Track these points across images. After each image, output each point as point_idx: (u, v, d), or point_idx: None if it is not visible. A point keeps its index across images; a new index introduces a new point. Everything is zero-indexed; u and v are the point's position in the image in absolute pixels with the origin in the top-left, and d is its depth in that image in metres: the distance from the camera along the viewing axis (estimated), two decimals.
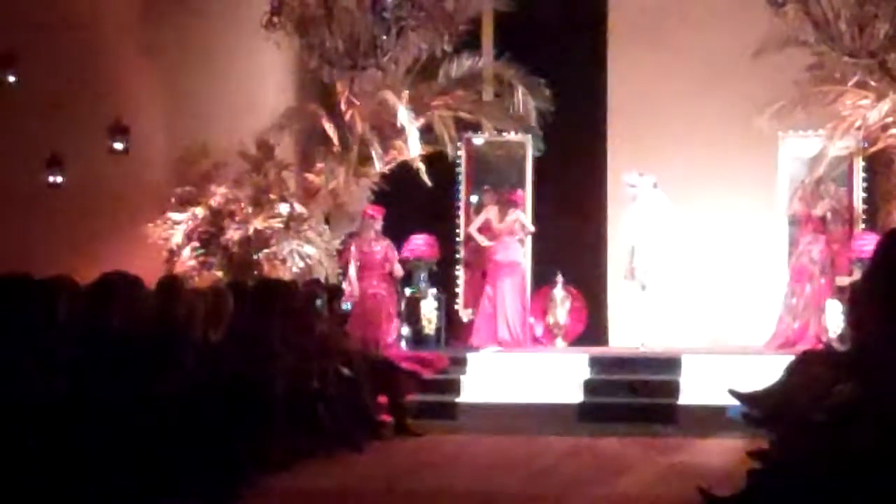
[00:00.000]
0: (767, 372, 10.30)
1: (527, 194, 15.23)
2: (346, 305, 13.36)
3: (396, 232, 14.74)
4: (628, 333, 14.69)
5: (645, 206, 14.06)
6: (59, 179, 13.58)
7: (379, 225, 14.20)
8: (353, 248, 14.24)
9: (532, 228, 14.91)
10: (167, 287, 9.45)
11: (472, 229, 15.00)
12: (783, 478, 5.70)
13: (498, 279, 14.57)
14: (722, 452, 9.87)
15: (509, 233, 14.70)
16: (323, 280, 13.38)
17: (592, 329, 15.06)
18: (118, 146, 13.89)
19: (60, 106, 13.44)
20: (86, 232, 12.93)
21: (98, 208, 13.56)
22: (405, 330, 14.57)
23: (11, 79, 13.24)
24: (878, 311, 5.89)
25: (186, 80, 14.42)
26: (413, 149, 14.51)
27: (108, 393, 7.78)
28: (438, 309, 15.09)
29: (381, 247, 14.18)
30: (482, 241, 14.79)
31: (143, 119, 14.32)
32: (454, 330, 15.52)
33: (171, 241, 13.88)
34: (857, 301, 6.92)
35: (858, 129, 13.81)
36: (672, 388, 12.56)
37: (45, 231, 12.57)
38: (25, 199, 13.22)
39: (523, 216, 14.82)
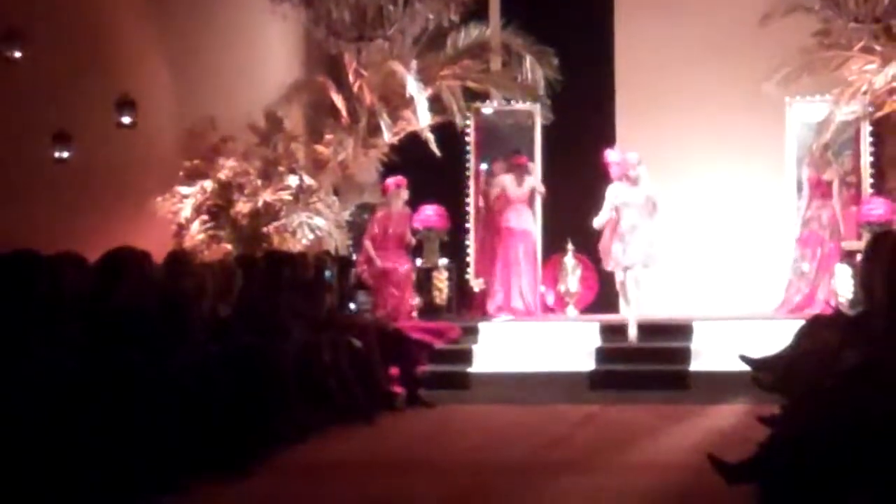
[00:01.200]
0: (778, 337, 10.34)
1: (536, 163, 15.16)
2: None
3: (407, 202, 14.67)
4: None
5: (628, 186, 13.43)
6: (66, 155, 13.52)
7: (406, 194, 14.25)
8: (374, 222, 14.26)
9: (543, 190, 14.88)
10: (175, 261, 9.44)
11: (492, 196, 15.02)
12: (793, 443, 5.64)
13: (510, 247, 14.56)
14: (733, 418, 9.84)
15: (525, 199, 14.68)
16: (333, 251, 13.37)
17: (603, 297, 15.00)
18: (126, 120, 13.84)
19: (67, 81, 13.39)
20: (93, 207, 12.89)
21: (106, 183, 13.52)
22: (416, 300, 14.54)
23: (17, 54, 13.19)
24: (883, 276, 5.85)
25: (194, 53, 14.37)
26: (422, 119, 14.49)
27: (118, 368, 7.78)
28: (449, 279, 15.07)
29: (405, 217, 14.28)
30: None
31: (151, 93, 14.27)
32: (465, 300, 15.50)
33: (179, 216, 13.85)
34: (866, 266, 6.86)
35: (865, 93, 13.75)
36: (684, 355, 12.55)
37: (51, 207, 12.52)
38: (32, 174, 13.18)
39: (536, 181, 14.82)
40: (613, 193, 13.41)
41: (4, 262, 7.54)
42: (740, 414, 9.86)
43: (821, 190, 13.97)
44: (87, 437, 7.11)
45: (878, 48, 13.58)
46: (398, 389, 11.45)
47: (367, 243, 14.28)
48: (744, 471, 6.30)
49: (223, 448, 8.24)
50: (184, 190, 13.95)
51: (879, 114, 14.02)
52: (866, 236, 13.16)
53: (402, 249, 14.40)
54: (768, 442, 6.41)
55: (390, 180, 14.49)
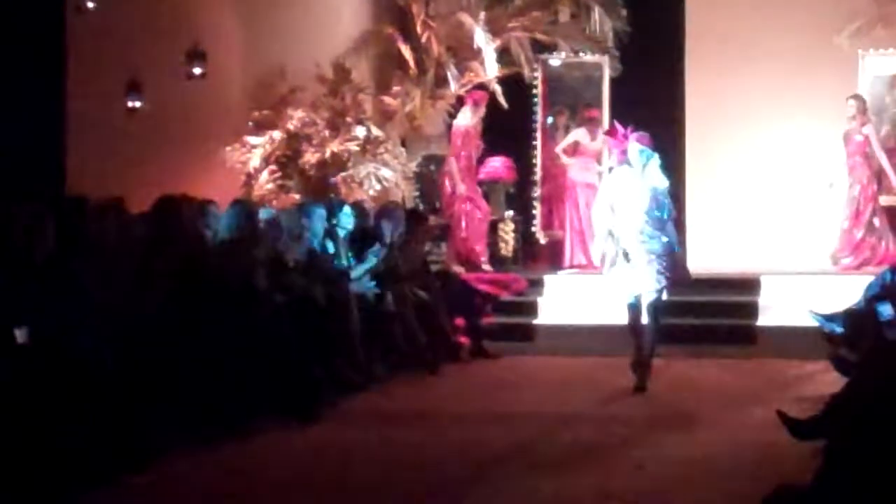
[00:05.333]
0: (847, 292, 10.22)
1: (604, 115, 15.02)
2: None
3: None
4: (704, 254, 14.57)
5: (631, 172, 9.98)
6: (138, 104, 13.61)
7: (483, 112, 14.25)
8: (458, 136, 14.19)
9: None
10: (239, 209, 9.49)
11: (559, 149, 14.87)
12: (862, 399, 5.54)
13: (576, 200, 14.44)
14: (801, 373, 9.75)
15: (595, 154, 14.56)
16: (400, 202, 13.35)
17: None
18: (196, 71, 13.90)
19: (138, 31, 13.43)
20: (164, 156, 12.94)
21: (176, 133, 13.57)
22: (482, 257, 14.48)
23: (91, 4, 13.26)
24: None
25: (263, 4, 14.37)
26: (490, 70, 14.37)
27: (189, 317, 7.83)
28: (515, 231, 15.01)
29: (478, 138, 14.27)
30: (567, 161, 14.66)
31: (221, 44, 14.29)
32: (531, 252, 15.43)
33: (248, 165, 13.87)
34: None
35: None
36: (751, 310, 12.45)
37: (123, 155, 12.59)
38: (105, 124, 13.26)
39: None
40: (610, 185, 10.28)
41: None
42: (809, 369, 9.76)
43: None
44: (162, 382, 7.20)
45: None
46: (464, 340, 11.44)
47: (452, 162, 14.21)
48: (812, 427, 6.23)
49: (292, 396, 8.30)
50: (253, 140, 13.97)
51: None
52: None
53: (472, 176, 14.27)
54: (837, 398, 6.33)
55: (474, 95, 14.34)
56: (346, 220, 10.57)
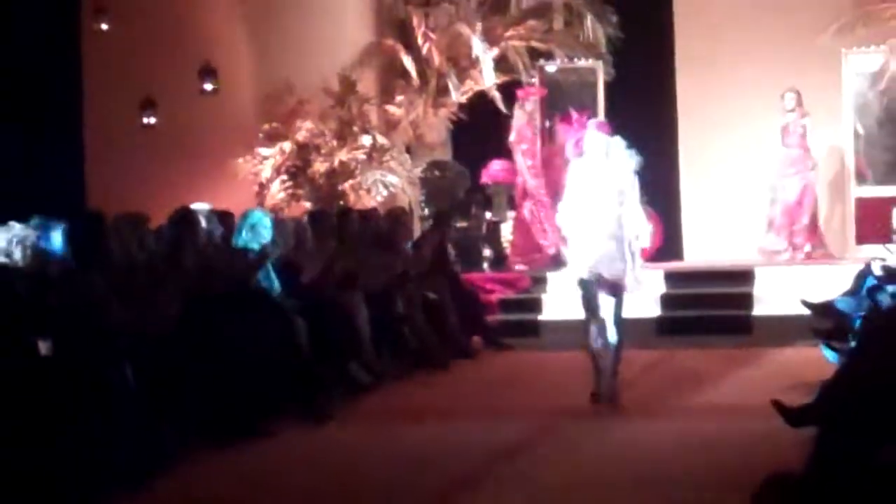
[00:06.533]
0: (838, 282, 10.17)
1: (600, 116, 14.96)
2: None
3: (475, 159, 14.67)
4: (702, 249, 14.56)
5: (591, 162, 8.55)
6: (153, 120, 13.65)
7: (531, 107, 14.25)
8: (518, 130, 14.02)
9: None
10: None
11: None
12: (854, 388, 5.49)
13: None
14: (796, 362, 9.70)
15: None
16: (406, 207, 13.35)
17: (668, 246, 14.82)
18: (208, 87, 13.95)
19: (152, 51, 13.48)
20: (179, 170, 12.99)
21: (190, 146, 13.62)
22: (487, 251, 14.44)
23: (105, 27, 13.29)
24: None
25: (270, 21, 14.39)
26: (488, 78, 14.39)
27: (203, 323, 7.82)
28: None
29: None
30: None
31: (231, 60, 14.32)
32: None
33: (260, 176, 13.93)
34: None
35: None
36: (746, 300, 12.38)
37: (140, 169, 12.66)
38: (122, 139, 13.31)
39: None
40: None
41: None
42: (803, 357, 9.70)
43: None
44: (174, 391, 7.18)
45: None
46: (477, 337, 11.45)
47: (518, 159, 14.10)
48: (806, 414, 6.18)
49: (306, 397, 8.29)
50: (264, 151, 14.01)
51: None
52: None
53: (538, 172, 14.08)
54: (830, 386, 6.27)
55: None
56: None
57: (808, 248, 13.54)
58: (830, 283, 10.76)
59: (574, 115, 13.51)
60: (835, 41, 13.80)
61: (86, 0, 13.36)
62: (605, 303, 8.43)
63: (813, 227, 13.64)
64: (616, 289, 8.41)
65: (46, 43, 12.81)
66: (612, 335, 8.41)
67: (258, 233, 8.86)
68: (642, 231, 8.65)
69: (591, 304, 8.49)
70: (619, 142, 8.68)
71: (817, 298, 10.30)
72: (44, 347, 6.36)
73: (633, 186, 8.51)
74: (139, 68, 13.46)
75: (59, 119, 12.98)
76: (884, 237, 12.62)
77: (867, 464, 4.00)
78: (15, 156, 11.73)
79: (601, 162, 8.44)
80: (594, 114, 14.12)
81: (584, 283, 8.45)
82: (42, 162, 12.06)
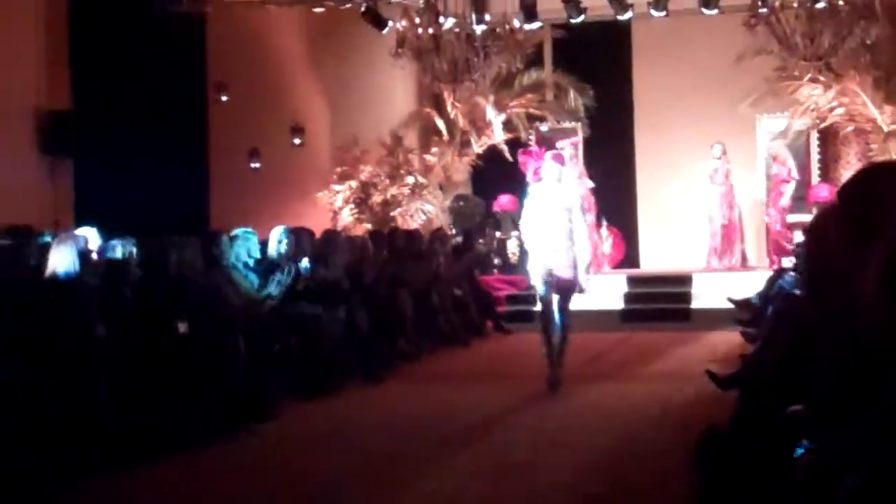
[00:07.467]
0: (754, 284, 10.15)
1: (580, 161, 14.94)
2: None
3: (488, 193, 14.60)
4: (654, 259, 14.58)
5: (547, 187, 7.80)
6: (257, 165, 13.71)
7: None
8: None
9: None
10: (328, 237, 9.49)
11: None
12: (769, 362, 5.47)
13: None
14: (724, 342, 9.67)
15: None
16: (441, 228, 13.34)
17: (628, 257, 14.80)
18: (297, 141, 14.02)
19: (257, 115, 13.54)
20: (276, 200, 13.03)
21: (284, 184, 13.67)
22: (497, 260, 14.42)
23: (224, 97, 13.37)
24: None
25: (342, 93, 14.46)
26: (497, 136, 14.43)
27: (302, 316, 7.84)
28: (519, 246, 14.94)
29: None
30: None
31: (313, 121, 14.39)
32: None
33: (334, 205, 14.00)
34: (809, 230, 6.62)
35: (813, 111, 13.37)
36: (687, 297, 12.36)
37: (248, 199, 12.69)
38: (236, 178, 13.37)
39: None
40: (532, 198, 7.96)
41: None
42: (728, 339, 9.67)
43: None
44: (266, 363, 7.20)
45: (821, 78, 13.21)
46: (490, 323, 11.43)
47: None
48: (732, 381, 6.17)
49: (367, 364, 8.31)
50: (337, 187, 14.09)
51: (823, 125, 13.62)
52: (815, 211, 12.83)
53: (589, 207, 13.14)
54: (750, 360, 6.26)
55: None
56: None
57: (734, 260, 13.48)
58: (748, 285, 10.75)
59: (534, 148, 13.28)
60: (751, 109, 13.75)
61: (211, 79, 13.46)
62: (556, 300, 7.67)
63: (737, 244, 13.59)
64: (565, 290, 7.70)
65: (185, 108, 12.93)
66: (558, 329, 7.68)
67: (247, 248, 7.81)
68: (585, 243, 7.86)
69: (546, 318, 7.71)
70: (569, 170, 8.08)
71: (739, 296, 10.32)
72: (182, 327, 6.40)
73: (579, 207, 7.86)
74: (248, 127, 13.53)
75: (192, 162, 13.07)
76: (787, 252, 12.66)
77: (776, 418, 3.98)
78: (160, 189, 11.82)
79: (555, 186, 7.76)
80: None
81: (542, 299, 7.71)
82: (177, 193, 12.14)
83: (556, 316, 7.71)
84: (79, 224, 8.20)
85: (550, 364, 7.70)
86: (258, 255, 7.87)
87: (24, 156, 11.08)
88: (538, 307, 7.98)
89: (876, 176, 2.45)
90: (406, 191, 14.10)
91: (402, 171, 14.24)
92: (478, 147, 14.75)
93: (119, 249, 6.76)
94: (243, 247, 7.68)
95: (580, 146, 14.78)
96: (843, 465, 2.50)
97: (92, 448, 5.23)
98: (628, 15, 12.91)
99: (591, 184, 13.69)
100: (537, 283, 7.72)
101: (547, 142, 15.31)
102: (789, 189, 13.44)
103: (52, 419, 5.08)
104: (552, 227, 7.58)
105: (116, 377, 5.61)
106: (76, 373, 5.34)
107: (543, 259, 7.62)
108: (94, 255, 6.79)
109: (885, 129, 12.92)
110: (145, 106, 12.04)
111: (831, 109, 13.28)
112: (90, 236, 7.15)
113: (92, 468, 5.17)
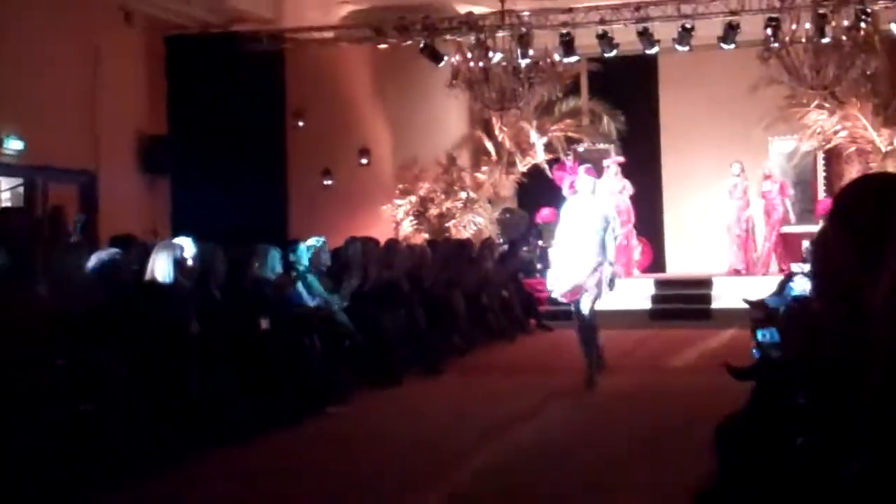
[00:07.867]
0: (768, 286, 9.93)
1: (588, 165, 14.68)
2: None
3: (531, 207, 14.45)
4: (679, 264, 14.38)
5: (581, 200, 7.51)
6: (330, 182, 13.80)
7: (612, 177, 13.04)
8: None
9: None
10: (391, 245, 9.49)
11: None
12: (783, 353, 5.35)
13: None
14: (741, 338, 9.50)
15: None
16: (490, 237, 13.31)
17: (656, 262, 14.62)
18: (364, 161, 14.08)
19: (329, 138, 13.64)
20: (346, 214, 13.10)
21: (353, 199, 13.73)
22: (539, 266, 14.31)
23: (301, 123, 13.50)
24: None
25: (403, 119, 14.48)
26: (539, 156, 14.32)
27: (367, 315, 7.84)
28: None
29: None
30: None
31: (378, 144, 14.45)
32: None
33: (396, 217, 14.02)
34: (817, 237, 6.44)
35: (819, 133, 13.21)
36: (708, 298, 12.20)
37: (323, 213, 12.78)
38: (311, 194, 13.47)
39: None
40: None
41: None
42: (744, 336, 9.48)
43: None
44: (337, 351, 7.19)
45: (826, 105, 13.08)
46: (532, 321, 11.36)
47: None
48: (747, 373, 6.03)
49: (426, 357, 8.30)
50: (399, 202, 14.11)
51: (828, 146, 13.43)
52: (821, 222, 12.59)
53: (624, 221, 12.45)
54: (765, 354, 6.11)
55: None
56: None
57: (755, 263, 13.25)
58: (763, 287, 10.53)
59: (568, 162, 13.14)
60: (764, 132, 13.60)
61: (289, 108, 13.59)
62: (585, 299, 7.31)
63: (751, 251, 13.37)
64: (588, 292, 7.34)
65: (266, 133, 13.07)
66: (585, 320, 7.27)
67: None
68: (613, 251, 7.40)
69: (585, 334, 7.39)
70: (613, 183, 7.97)
71: (754, 297, 10.09)
72: (264, 324, 6.45)
73: (614, 217, 7.50)
74: (321, 149, 13.64)
75: (272, 180, 13.18)
76: (799, 258, 12.40)
77: (786, 407, 3.87)
78: (244, 203, 11.97)
79: (589, 198, 7.42)
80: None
81: (577, 314, 7.33)
82: (260, 207, 12.27)
83: (585, 316, 7.33)
84: (175, 234, 8.30)
85: (589, 365, 7.37)
86: (328, 263, 7.91)
87: (128, 174, 11.38)
88: (574, 311, 7.61)
89: (868, 181, 2.36)
90: (459, 204, 14.08)
91: (455, 188, 14.23)
92: (522, 166, 14.69)
93: (209, 256, 6.82)
94: (314, 254, 7.73)
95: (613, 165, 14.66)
96: (843, 452, 2.42)
97: (187, 429, 5.29)
98: (655, 49, 12.79)
99: (631, 190, 13.36)
100: (555, 290, 7.45)
101: (584, 161, 15.25)
102: (788, 203, 13.21)
103: (152, 404, 5.13)
104: (583, 236, 7.24)
105: (207, 368, 5.66)
106: (173, 364, 5.40)
107: (565, 268, 7.28)
108: (189, 262, 6.85)
109: (884, 149, 12.85)
110: (232, 131, 12.29)
111: (835, 132, 13.15)
112: (185, 244, 7.23)
113: (187, 446, 5.23)
